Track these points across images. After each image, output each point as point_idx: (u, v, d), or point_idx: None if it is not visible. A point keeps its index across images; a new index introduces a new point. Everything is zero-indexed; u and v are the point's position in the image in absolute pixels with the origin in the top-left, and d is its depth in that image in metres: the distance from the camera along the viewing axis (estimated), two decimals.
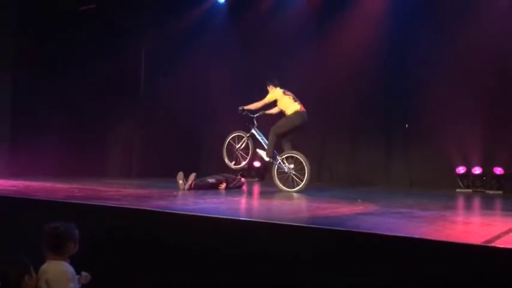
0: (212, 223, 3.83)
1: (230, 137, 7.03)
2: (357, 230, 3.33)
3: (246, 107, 6.85)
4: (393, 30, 8.14)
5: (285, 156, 6.63)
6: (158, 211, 4.19)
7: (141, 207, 4.36)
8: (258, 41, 9.17)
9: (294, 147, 6.74)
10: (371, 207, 4.87)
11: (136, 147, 9.61)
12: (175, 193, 6.12)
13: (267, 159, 6.77)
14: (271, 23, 9.03)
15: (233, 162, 6.98)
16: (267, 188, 7.30)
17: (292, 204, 5.51)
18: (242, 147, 6.92)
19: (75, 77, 8.97)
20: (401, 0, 8.14)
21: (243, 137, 6.94)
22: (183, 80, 9.29)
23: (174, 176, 6.75)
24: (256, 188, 7.82)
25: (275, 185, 6.65)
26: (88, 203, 4.57)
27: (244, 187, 7.20)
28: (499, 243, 2.98)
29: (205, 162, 9.38)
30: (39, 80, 8.66)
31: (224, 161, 7.05)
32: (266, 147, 6.77)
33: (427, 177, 8.02)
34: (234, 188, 6.98)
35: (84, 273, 3.03)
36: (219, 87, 9.11)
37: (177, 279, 3.68)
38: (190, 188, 6.55)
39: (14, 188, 5.95)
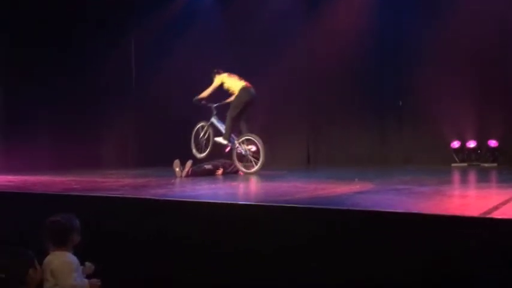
0: (211, 208, 3.85)
1: (196, 128, 7.28)
2: (357, 208, 3.37)
3: (199, 97, 7.05)
4: (384, 9, 8.11)
5: (242, 139, 6.82)
6: (157, 199, 4.21)
7: (140, 196, 4.37)
8: (247, 29, 9.10)
9: (250, 128, 6.93)
10: (368, 186, 4.90)
11: (132, 137, 9.60)
12: (172, 181, 6.13)
13: (224, 142, 6.93)
14: (259, 11, 8.97)
15: (199, 152, 7.15)
16: (264, 172, 7.31)
17: (289, 186, 5.53)
18: (205, 136, 7.13)
19: (66, 72, 8.87)
20: None
21: (205, 126, 7.17)
22: (175, 71, 9.24)
23: (171, 164, 6.75)
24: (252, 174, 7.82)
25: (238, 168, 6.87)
26: (87, 194, 4.57)
27: (241, 172, 7.22)
28: (497, 215, 3.02)
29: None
30: (30, 76, 8.56)
31: (193, 153, 7.17)
32: (224, 132, 6.95)
33: (422, 153, 8.07)
34: (231, 173, 7.00)
35: (88, 264, 3.05)
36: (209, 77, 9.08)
37: (178, 266, 3.71)
38: (187, 175, 6.56)
39: (11, 184, 5.94)
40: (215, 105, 7.13)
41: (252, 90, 6.89)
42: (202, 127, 7.22)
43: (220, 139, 6.97)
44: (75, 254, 3.00)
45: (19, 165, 7.85)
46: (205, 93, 7.05)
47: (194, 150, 7.20)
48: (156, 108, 9.26)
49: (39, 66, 8.67)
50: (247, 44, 8.99)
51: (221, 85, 7.02)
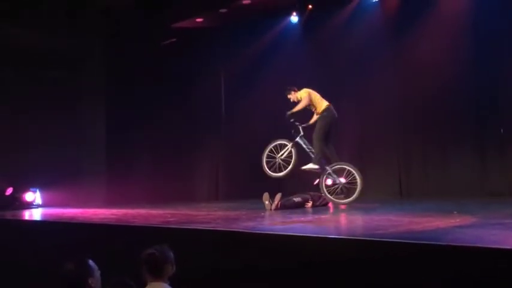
0: (302, 242, 3.82)
1: (271, 146, 6.81)
2: (457, 244, 3.15)
3: (291, 112, 6.63)
4: (478, 29, 7.69)
5: (335, 167, 6.51)
6: (247, 232, 4.26)
7: (231, 229, 4.45)
8: (334, 57, 9.09)
9: (337, 152, 6.69)
10: (469, 219, 4.57)
11: (222, 170, 9.89)
12: (262, 214, 6.18)
13: (316, 167, 6.54)
14: (345, 37, 8.92)
15: (272, 171, 6.72)
16: (354, 205, 7.12)
17: (382, 219, 5.32)
18: (284, 156, 6.71)
19: (160, 109, 9.50)
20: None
21: (286, 145, 6.72)
22: (263, 100, 9.44)
23: (260, 197, 6.82)
24: (342, 205, 7.66)
25: (324, 195, 6.58)
26: (182, 227, 4.75)
27: (331, 204, 7.10)
28: None
29: (289, 181, 9.38)
30: (128, 115, 9.32)
31: (264, 170, 6.80)
32: (313, 155, 6.59)
33: None
34: (320, 206, 6.91)
35: None
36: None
37: None
38: (276, 208, 6.59)
39: (114, 216, 6.35)
40: (304, 125, 6.75)
41: (333, 108, 6.63)
42: (281, 146, 6.76)
43: (311, 165, 6.57)
44: (170, 285, 3.10)
45: (121, 199, 8.44)
46: (297, 108, 6.62)
47: (266, 169, 6.74)
48: (244, 143, 9.48)
49: (135, 110, 9.41)
50: (334, 72, 8.96)
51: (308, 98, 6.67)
